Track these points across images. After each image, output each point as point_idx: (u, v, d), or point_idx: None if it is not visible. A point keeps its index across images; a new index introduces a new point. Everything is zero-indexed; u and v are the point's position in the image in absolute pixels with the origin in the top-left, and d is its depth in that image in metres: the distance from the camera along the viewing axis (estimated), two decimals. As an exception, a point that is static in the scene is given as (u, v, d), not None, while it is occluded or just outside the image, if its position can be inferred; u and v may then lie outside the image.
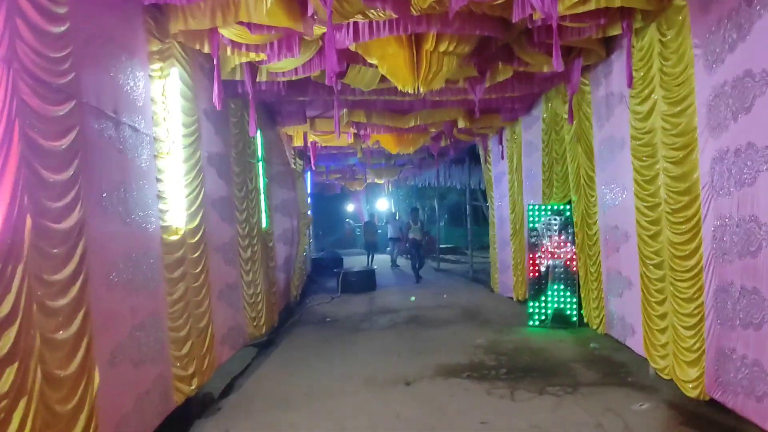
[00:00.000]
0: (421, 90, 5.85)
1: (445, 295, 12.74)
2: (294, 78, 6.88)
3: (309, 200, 13.20)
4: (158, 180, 4.91)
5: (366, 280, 14.44)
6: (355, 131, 11.28)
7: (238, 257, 7.44)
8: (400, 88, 5.97)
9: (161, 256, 4.88)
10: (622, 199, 6.56)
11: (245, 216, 7.78)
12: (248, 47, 5.63)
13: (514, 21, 5.06)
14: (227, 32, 5.32)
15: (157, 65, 5.07)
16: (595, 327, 7.94)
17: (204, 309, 5.80)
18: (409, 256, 17.46)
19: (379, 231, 21.62)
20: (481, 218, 34.09)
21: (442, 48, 5.53)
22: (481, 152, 14.24)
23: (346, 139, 12.20)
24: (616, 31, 5.71)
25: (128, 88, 4.50)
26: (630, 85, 5.53)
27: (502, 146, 11.80)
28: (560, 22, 5.27)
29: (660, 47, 5.38)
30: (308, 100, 9.20)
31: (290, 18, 4.93)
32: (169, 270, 4.99)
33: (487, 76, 7.07)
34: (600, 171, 7.18)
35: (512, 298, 11.79)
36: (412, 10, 4.95)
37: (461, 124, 10.73)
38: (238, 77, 6.79)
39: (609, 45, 6.55)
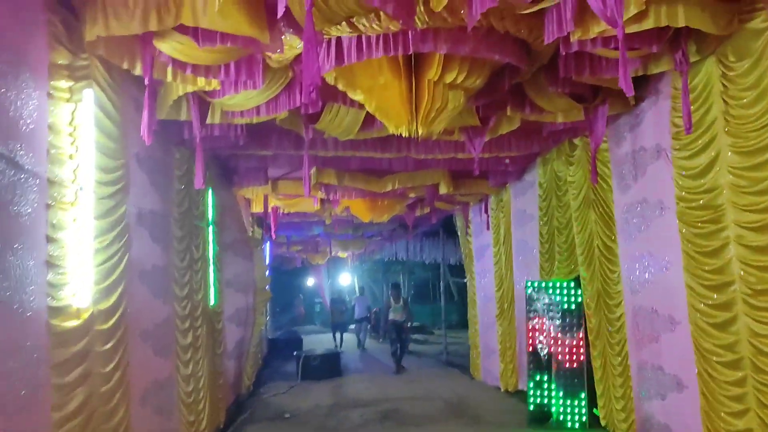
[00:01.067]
0: (420, 132, 4.55)
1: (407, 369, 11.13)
2: (255, 120, 5.55)
3: (268, 273, 11.64)
4: (50, 240, 3.41)
5: (330, 365, 12.73)
6: (324, 195, 9.94)
7: (174, 344, 5.84)
8: (391, 129, 4.67)
9: (47, 351, 3.31)
10: (662, 276, 5.27)
11: (187, 291, 6.23)
12: (195, 69, 4.27)
13: (546, 41, 3.86)
14: (166, 45, 3.97)
15: (63, 83, 3.67)
16: (607, 424, 6.50)
17: (117, 422, 4.16)
18: (383, 338, 15.09)
19: (346, 309, 19.41)
20: (449, 295, 32.74)
21: (448, 78, 4.28)
22: (459, 223, 13.02)
23: (312, 205, 10.85)
24: (662, 66, 4.58)
25: (7, 104, 3.07)
26: (690, 130, 4.32)
27: (487, 216, 10.58)
28: (596, 49, 4.12)
29: (724, 84, 4.24)
30: (271, 155, 7.85)
31: (251, 23, 3.63)
32: (59, 372, 3.40)
33: (490, 125, 5.86)
34: (625, 241, 5.91)
35: (500, 389, 10.27)
36: (417, 21, 3.70)
37: (443, 189, 9.51)
38: (183, 117, 5.42)
39: (637, 90, 5.43)
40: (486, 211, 10.58)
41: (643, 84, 5.33)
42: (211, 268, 7.36)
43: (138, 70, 4.19)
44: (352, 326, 19.97)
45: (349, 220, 13.75)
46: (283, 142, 7.18)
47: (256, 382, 11.41)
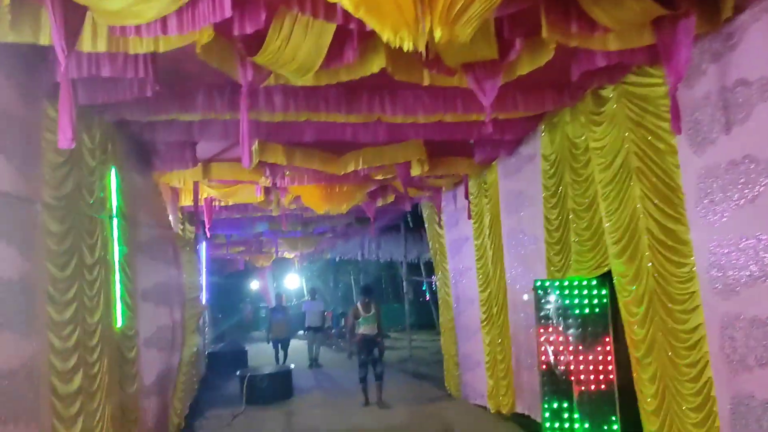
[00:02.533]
0: (438, 36, 2.70)
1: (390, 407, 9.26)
2: (162, 47, 3.60)
3: (203, 280, 9.54)
4: None
5: (280, 385, 10.74)
6: (268, 182, 7.98)
7: (37, 402, 3.80)
8: (386, 37, 2.78)
9: None
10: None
11: (71, 314, 4.20)
12: None
13: None
14: None
15: None
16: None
17: None
18: (351, 355, 11.30)
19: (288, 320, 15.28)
20: (402, 296, 31.09)
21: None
22: (427, 213, 11.24)
23: (254, 195, 8.86)
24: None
25: None
26: None
27: (468, 202, 8.83)
28: None
29: None
30: (198, 121, 5.88)
31: None
32: None
33: (509, 58, 4.05)
34: (703, 222, 4.18)
35: (487, 409, 8.56)
36: None
37: (416, 170, 7.71)
38: (45, 40, 3.41)
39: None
40: (466, 197, 8.82)
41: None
42: (117, 275, 5.31)
43: None
44: (301, 332, 17.59)
45: (299, 214, 11.80)
46: (214, 101, 5.24)
47: (191, 413, 9.33)
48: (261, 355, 17.57)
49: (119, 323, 5.28)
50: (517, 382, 7.69)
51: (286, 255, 21.58)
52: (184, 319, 7.50)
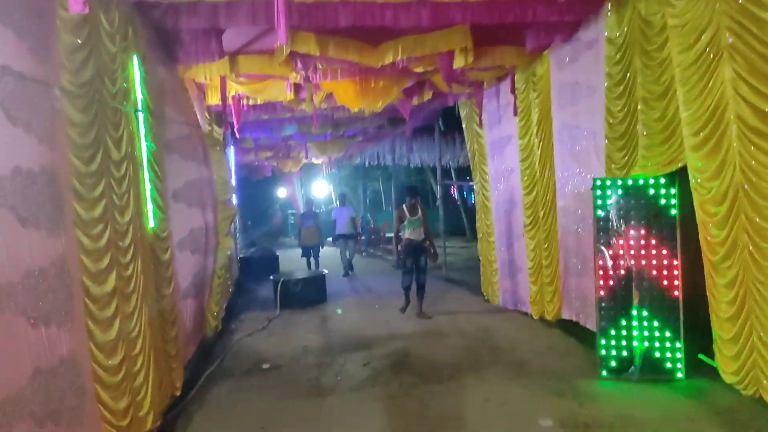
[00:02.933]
0: None
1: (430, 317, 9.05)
2: None
3: (233, 183, 9.17)
4: None
5: (314, 290, 10.63)
6: (298, 77, 7.44)
7: (71, 303, 3.52)
8: None
9: None
10: None
11: (102, 211, 3.85)
12: None
13: None
14: None
15: None
16: (739, 383, 4.51)
17: None
18: (397, 262, 9.12)
19: (318, 227, 14.55)
20: (434, 201, 30.70)
21: None
22: (465, 113, 10.63)
23: (284, 92, 8.33)
24: None
25: None
26: None
27: (514, 96, 8.20)
28: None
29: None
30: (224, 3, 5.31)
31: None
32: None
33: None
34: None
35: (529, 316, 8.32)
36: None
37: (459, 62, 7.07)
38: None
39: None
40: (512, 91, 8.19)
41: None
42: (146, 174, 4.94)
43: None
44: (329, 239, 16.85)
45: (329, 115, 11.26)
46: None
47: (227, 317, 9.27)
48: (292, 261, 17.61)
49: (151, 224, 4.95)
50: (565, 288, 7.36)
51: (315, 161, 21.18)
52: (217, 222, 7.20)
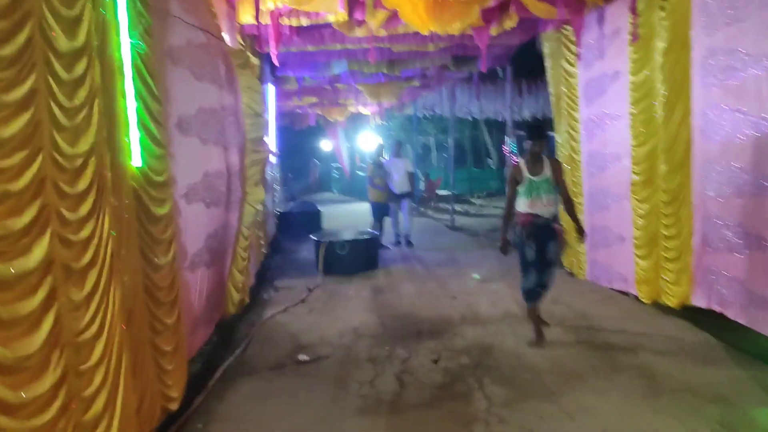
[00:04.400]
0: None
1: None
2: None
3: (266, 119, 7.41)
4: None
5: (363, 255, 9.02)
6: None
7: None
8: None
9: None
10: None
11: (24, 128, 2.23)
12: None
13: None
14: None
15: None
16: None
17: None
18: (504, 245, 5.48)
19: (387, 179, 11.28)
20: (481, 159, 28.71)
21: None
22: (549, 48, 8.67)
23: (335, 7, 6.58)
24: None
25: None
26: None
27: (635, 18, 6.26)
28: None
29: None
30: None
31: None
32: None
33: None
34: None
35: (633, 297, 6.57)
36: None
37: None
38: None
39: None
40: (633, 11, 6.24)
41: None
42: (129, 86, 3.31)
43: None
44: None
45: (386, 49, 9.46)
46: None
47: (258, 283, 7.78)
48: (336, 216, 16.08)
49: (137, 161, 3.35)
50: (699, 267, 5.55)
51: (362, 110, 19.47)
52: (245, 167, 5.55)
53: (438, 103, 15.79)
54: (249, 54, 7.07)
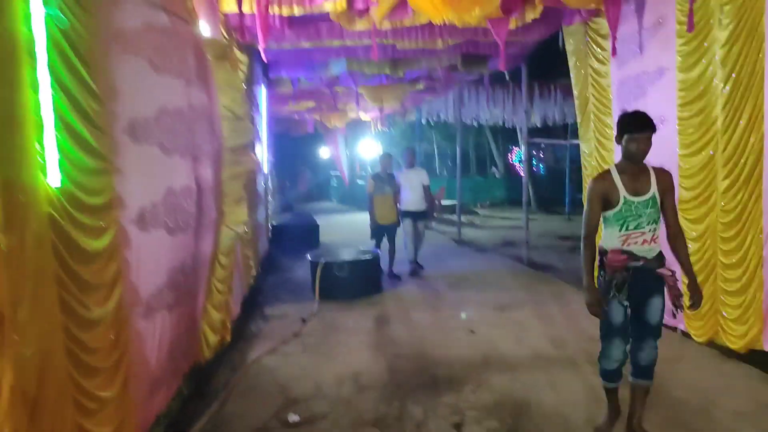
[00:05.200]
0: None
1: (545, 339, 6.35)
2: None
3: (253, 124, 6.38)
4: None
5: (365, 277, 8.03)
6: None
7: None
8: None
9: None
10: None
11: None
12: None
13: None
14: None
15: None
16: None
17: None
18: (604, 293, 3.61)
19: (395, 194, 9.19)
20: (484, 167, 27.72)
21: None
22: (574, 44, 7.73)
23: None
24: None
25: None
26: None
27: (691, 4, 5.31)
28: None
29: None
30: None
31: None
32: None
33: None
34: None
35: (680, 334, 5.61)
36: None
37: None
38: None
39: None
40: (688, -7, 5.29)
41: None
42: (43, 73, 2.35)
43: None
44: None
45: (389, 46, 8.52)
46: None
47: (246, 312, 6.79)
48: (335, 227, 15.11)
49: (53, 180, 2.38)
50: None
51: (362, 116, 18.53)
52: (221, 181, 4.54)
53: (443, 108, 14.84)
54: (231, 45, 6.10)
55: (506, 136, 23.71)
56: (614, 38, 6.48)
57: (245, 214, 4.76)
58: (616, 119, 6.60)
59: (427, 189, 9.15)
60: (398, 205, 9.06)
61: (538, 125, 15.19)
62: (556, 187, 20.35)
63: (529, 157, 20.22)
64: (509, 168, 26.70)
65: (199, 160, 4.06)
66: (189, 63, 3.98)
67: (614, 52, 6.48)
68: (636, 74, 6.42)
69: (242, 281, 6.67)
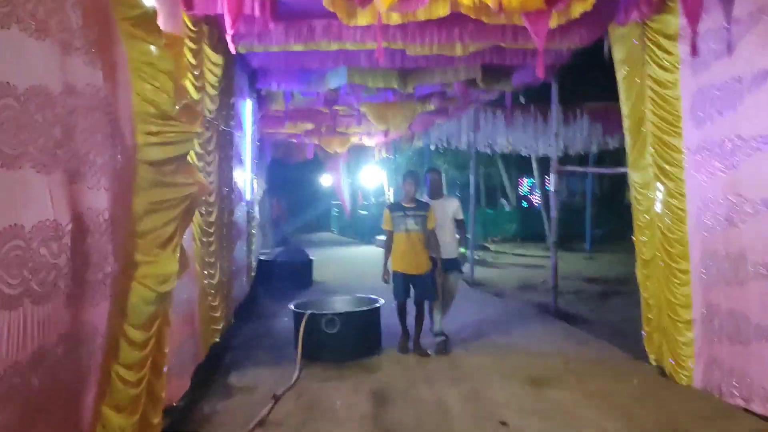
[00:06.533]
0: None
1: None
2: None
3: (237, 142, 4.92)
4: None
5: (360, 333, 6.38)
6: None
7: None
8: None
9: None
10: None
11: None
12: None
13: None
14: None
15: None
16: None
17: None
18: None
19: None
20: (493, 200, 26.13)
21: None
22: (625, 50, 6.18)
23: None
24: None
25: None
26: None
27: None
28: None
29: None
30: None
31: None
32: None
33: None
34: None
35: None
36: None
37: None
38: None
39: None
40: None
41: None
42: None
43: None
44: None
45: (398, 50, 7.04)
46: None
47: (197, 387, 5.16)
48: (331, 265, 13.52)
49: None
50: None
51: (365, 141, 17.10)
52: (132, 214, 2.80)
53: (456, 133, 13.32)
54: (211, 54, 4.59)
55: (518, 166, 22.21)
56: (695, 33, 4.93)
57: (174, 265, 3.15)
58: (695, 140, 5.04)
59: (461, 225, 6.84)
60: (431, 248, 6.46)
61: (560, 154, 13.68)
62: (573, 222, 18.73)
63: (555, 189, 18.64)
64: (519, 200, 25.16)
65: (81, 178, 2.43)
66: (71, 20, 2.43)
67: (695, 51, 4.92)
68: (722, 81, 4.87)
69: (197, 344, 5.05)
